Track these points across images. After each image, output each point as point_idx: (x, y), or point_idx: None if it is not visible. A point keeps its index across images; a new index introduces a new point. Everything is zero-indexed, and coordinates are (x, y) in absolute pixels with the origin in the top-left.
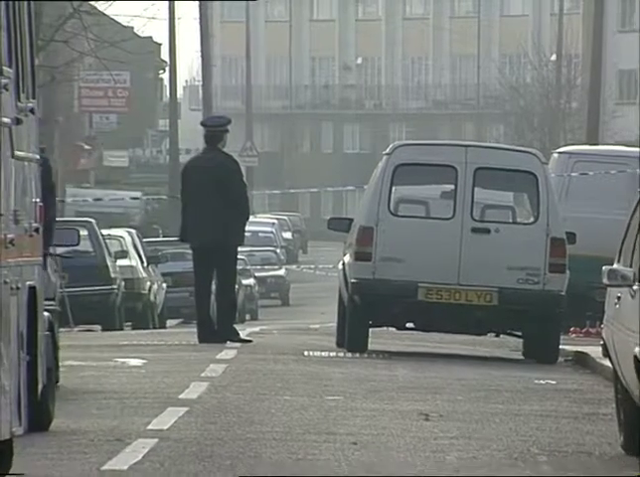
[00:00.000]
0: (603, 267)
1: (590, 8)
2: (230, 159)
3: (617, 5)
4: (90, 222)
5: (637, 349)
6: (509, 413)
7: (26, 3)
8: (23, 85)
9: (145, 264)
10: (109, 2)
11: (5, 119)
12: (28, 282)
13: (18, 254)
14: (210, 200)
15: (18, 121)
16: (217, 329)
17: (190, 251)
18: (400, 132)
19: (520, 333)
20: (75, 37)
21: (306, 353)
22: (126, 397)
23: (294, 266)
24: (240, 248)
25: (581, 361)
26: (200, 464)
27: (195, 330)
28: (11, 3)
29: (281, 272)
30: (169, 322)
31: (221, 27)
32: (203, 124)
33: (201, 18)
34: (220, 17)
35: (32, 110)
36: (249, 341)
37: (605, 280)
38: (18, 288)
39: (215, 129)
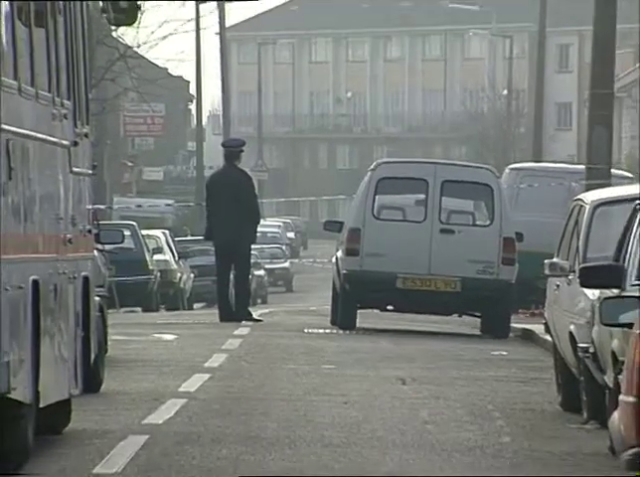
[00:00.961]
0: (545, 261)
1: (534, 53)
2: (244, 174)
3: (555, 51)
4: (133, 224)
5: (572, 326)
6: (469, 378)
7: (82, 50)
8: (79, 115)
9: (176, 258)
10: (149, 47)
11: (65, 142)
12: (82, 273)
13: (74, 251)
14: (229, 207)
15: (75, 144)
16: (234, 311)
17: (213, 248)
18: (382, 152)
19: (478, 314)
20: (120, 76)
21: (306, 330)
22: (161, 364)
23: (296, 260)
24: (252, 246)
25: (528, 336)
26: (221, 419)
27: (216, 311)
28: (70, 50)
29: (286, 265)
30: (195, 305)
31: (237, 67)
32: (223, 145)
33: (222, 60)
34: (236, 59)
35: (86, 135)
36: (260, 320)
37: (547, 271)
38: (74, 278)
39: (233, 149)
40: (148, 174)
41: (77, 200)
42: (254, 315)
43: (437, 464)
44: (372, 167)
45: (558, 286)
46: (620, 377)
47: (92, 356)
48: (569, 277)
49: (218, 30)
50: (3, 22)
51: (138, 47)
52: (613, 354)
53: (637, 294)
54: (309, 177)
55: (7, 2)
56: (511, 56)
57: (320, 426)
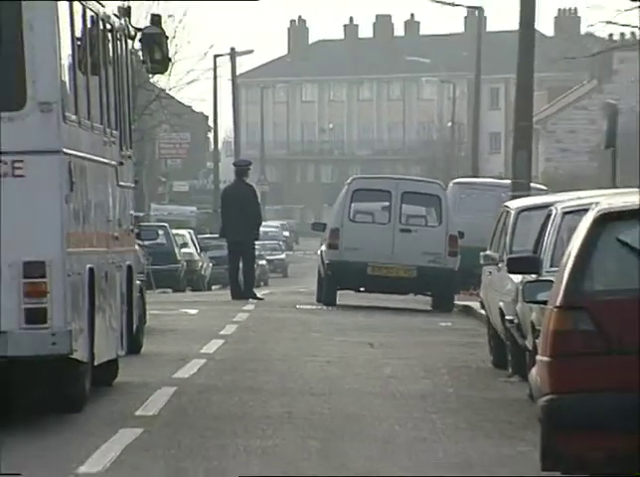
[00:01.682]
0: (481, 253)
1: (471, 95)
2: (250, 188)
3: (487, 93)
4: (165, 225)
5: (501, 303)
6: (423, 343)
7: (126, 92)
8: (124, 141)
9: (198, 251)
10: (177, 90)
11: (113, 162)
12: (127, 262)
13: (120, 245)
14: (238, 213)
15: (121, 164)
16: (243, 291)
17: (226, 244)
18: (356, 170)
19: (430, 293)
20: (156, 112)
21: (298, 306)
22: (187, 332)
23: (291, 253)
24: (256, 242)
25: (467, 311)
26: (232, 374)
27: (229, 292)
28: (118, 93)
29: (283, 256)
30: (213, 287)
31: (245, 105)
32: (234, 164)
33: (233, 100)
34: (245, 99)
35: (129, 157)
36: (262, 299)
37: (482, 261)
38: (120, 266)
39: (242, 167)
40: (177, 187)
41: (122, 206)
42: (258, 295)
43: (398, 408)
44: (348, 181)
45: (490, 273)
46: (537, 341)
47: (134, 326)
48: (499, 266)
49: (230, 77)
50: (67, 72)
51: (169, 90)
52: (532, 324)
53: (550, 278)
54: (300, 189)
55: (69, 56)
56: (454, 97)
57: (309, 380)
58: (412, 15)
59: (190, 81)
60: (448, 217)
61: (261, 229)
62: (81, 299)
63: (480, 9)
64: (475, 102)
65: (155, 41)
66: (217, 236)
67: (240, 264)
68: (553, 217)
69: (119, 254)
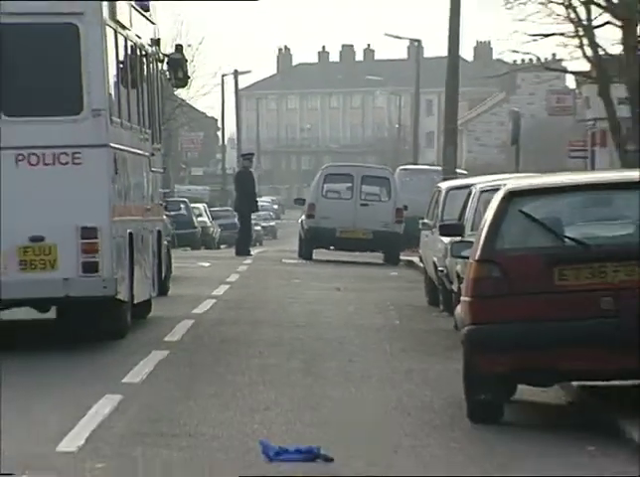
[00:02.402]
0: (420, 221)
1: (413, 104)
2: (251, 173)
3: (425, 103)
4: (185, 200)
5: (434, 258)
6: (377, 288)
7: (157, 101)
8: (155, 138)
9: (210, 220)
10: (195, 100)
11: (146, 154)
12: (157, 228)
13: (152, 215)
14: (243, 190)
15: (152, 154)
16: (244, 250)
17: (232, 214)
18: (328, 159)
19: (382, 251)
20: (178, 116)
21: (284, 260)
22: (202, 279)
23: (279, 220)
24: (254, 213)
25: (410, 264)
26: (236, 311)
27: (233, 250)
28: (151, 102)
29: (273, 223)
30: (221, 246)
31: (245, 112)
32: (242, 155)
33: (236, 107)
34: (245, 106)
35: (159, 149)
36: (252, 255)
37: (420, 227)
38: (152, 231)
39: (248, 157)
40: (194, 172)
41: (153, 186)
42: (253, 253)
43: (359, 336)
44: (322, 168)
45: (427, 236)
46: (461, 286)
47: (163, 275)
48: (433, 231)
49: (234, 90)
50: (112, 86)
51: (189, 100)
52: (457, 273)
53: (471, 240)
54: (286, 174)
55: (114, 74)
56: (400, 106)
57: (293, 315)
58: (369, 45)
59: (204, 94)
60: (396, 194)
61: (259, 203)
62: (123, 255)
63: (419, 41)
64: (415, 110)
65: (178, 64)
66: (223, 208)
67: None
68: (472, 194)
69: (151, 222)
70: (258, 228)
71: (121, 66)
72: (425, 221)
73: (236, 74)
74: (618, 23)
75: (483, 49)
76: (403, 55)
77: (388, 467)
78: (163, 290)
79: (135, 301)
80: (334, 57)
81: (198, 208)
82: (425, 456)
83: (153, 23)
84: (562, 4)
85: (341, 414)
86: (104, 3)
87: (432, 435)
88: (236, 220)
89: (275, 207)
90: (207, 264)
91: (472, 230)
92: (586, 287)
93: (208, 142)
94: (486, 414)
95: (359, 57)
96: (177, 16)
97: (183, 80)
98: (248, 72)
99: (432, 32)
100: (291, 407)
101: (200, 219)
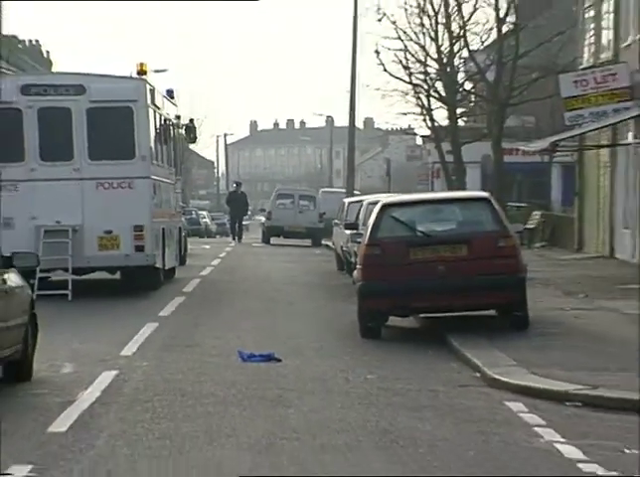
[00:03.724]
0: (332, 221)
1: (329, 154)
2: (243, 194)
3: (335, 153)
4: (195, 209)
5: (341, 243)
6: (307, 260)
7: (179, 150)
8: (177, 172)
9: (211, 220)
10: (199, 149)
11: (172, 182)
12: (178, 225)
13: (175, 217)
14: (235, 204)
15: (175, 182)
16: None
17: (226, 217)
18: (279, 185)
19: (311, 238)
20: (189, 159)
21: (253, 244)
22: (205, 256)
23: (250, 221)
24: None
25: (327, 246)
26: (228, 274)
27: (228, 238)
28: (174, 150)
29: (247, 222)
30: (217, 236)
31: (231, 158)
32: (235, 182)
33: (226, 156)
34: (231, 155)
35: (179, 179)
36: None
37: (333, 224)
38: (176, 227)
39: (239, 183)
40: (200, 192)
41: (176, 201)
42: (242, 240)
43: (299, 289)
44: (275, 190)
45: (337, 230)
46: (356, 259)
47: (182, 252)
48: (340, 227)
49: (224, 145)
50: (152, 142)
51: (197, 150)
52: (354, 251)
53: (361, 232)
54: (254, 194)
55: (154, 135)
56: (321, 154)
57: (258, 276)
58: (303, 119)
59: (206, 147)
60: (319, 205)
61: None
62: (159, 241)
63: (332, 117)
64: (329, 157)
65: (191, 129)
66: (218, 213)
67: (236, 226)
68: (363, 205)
69: (175, 221)
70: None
71: (157, 131)
72: (336, 221)
73: (225, 135)
74: (445, 107)
75: (369, 121)
76: (322, 124)
77: (311, 357)
78: (182, 262)
79: (166, 268)
80: (282, 125)
81: (202, 213)
82: (334, 351)
83: (175, 105)
84: (414, 96)
85: (286, 332)
86: (148, 93)
87: (338, 341)
88: (225, 220)
89: (249, 213)
90: (207, 247)
91: (362, 225)
92: (428, 260)
93: (208, 175)
94: (370, 333)
95: (297, 126)
96: (191, 99)
97: (193, 139)
98: (232, 134)
99: (341, 109)
100: (257, 330)
101: (203, 220)
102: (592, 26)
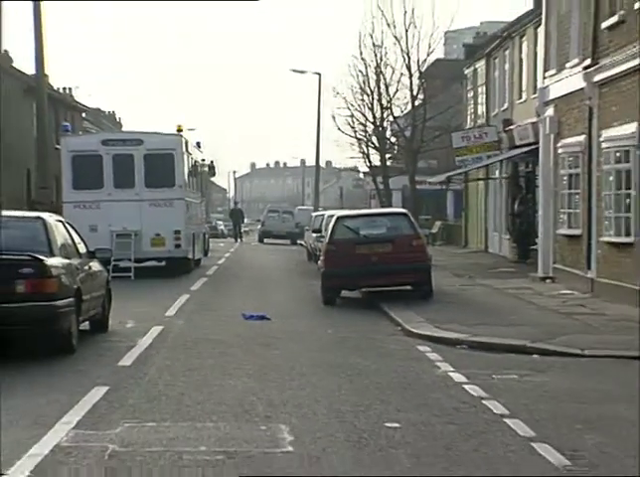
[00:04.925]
0: (304, 227)
1: (302, 185)
2: (240, 210)
3: (306, 184)
4: (213, 220)
5: (311, 241)
6: (288, 254)
7: (206, 181)
8: (202, 195)
9: (223, 227)
10: (215, 179)
11: (199, 201)
12: (203, 230)
13: (201, 225)
14: (235, 217)
15: (201, 202)
16: (238, 239)
17: (231, 223)
18: (269, 203)
19: (290, 239)
20: (210, 187)
21: (252, 243)
22: (220, 250)
23: (248, 227)
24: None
25: (302, 245)
26: (236, 263)
27: (232, 240)
28: (202, 182)
29: (246, 228)
30: (227, 238)
31: (239, 187)
32: (235, 202)
33: (235, 187)
34: (238, 185)
35: (204, 200)
36: (243, 241)
37: (305, 230)
38: (201, 231)
39: (237, 202)
40: (217, 210)
41: (202, 214)
42: (243, 240)
43: (281, 273)
44: (267, 207)
45: (308, 233)
46: (321, 253)
47: (206, 248)
48: (310, 231)
49: (233, 178)
50: (186, 175)
51: (215, 181)
52: (319, 248)
53: (323, 234)
54: (249, 211)
55: (187, 171)
56: (297, 184)
57: (255, 265)
58: (285, 162)
59: (221, 178)
60: (295, 217)
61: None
62: (190, 241)
63: (304, 160)
64: (302, 187)
65: (211, 167)
66: (229, 222)
67: (237, 229)
68: (325, 217)
69: (201, 228)
70: (245, 229)
71: (189, 168)
72: (307, 227)
73: (233, 172)
74: (378, 153)
75: (329, 162)
76: (298, 164)
77: (290, 317)
78: (205, 254)
79: (195, 258)
80: (271, 165)
81: (219, 222)
82: (305, 314)
83: (201, 151)
84: (358, 146)
85: (274, 300)
86: (183, 144)
87: (308, 307)
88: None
89: (247, 222)
90: (222, 244)
91: (324, 231)
92: (367, 253)
93: (222, 198)
94: (329, 302)
95: (281, 165)
96: (210, 146)
97: (213, 174)
98: (236, 171)
99: (310, 154)
100: (255, 299)
101: (220, 227)
102: (472, 102)
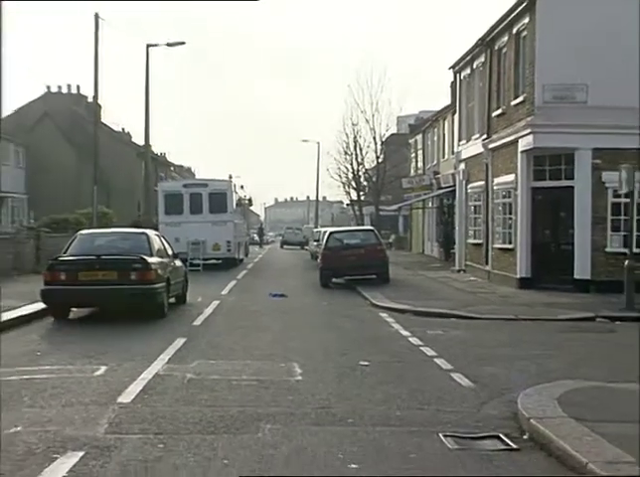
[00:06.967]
0: (309, 239)
1: (307, 214)
2: (262, 228)
3: (312, 212)
4: (252, 234)
5: (313, 247)
6: (298, 255)
7: (244, 210)
8: (244, 218)
9: (259, 238)
10: (253, 208)
11: (242, 222)
12: (245, 240)
13: (244, 237)
14: (260, 233)
15: (243, 222)
16: (261, 246)
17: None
18: (286, 225)
19: (299, 246)
20: (247, 213)
21: (277, 248)
22: (255, 253)
23: (273, 239)
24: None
25: (307, 250)
26: (264, 263)
27: (273, 245)
28: (243, 210)
29: (272, 239)
30: (265, 245)
31: (266, 213)
32: (260, 223)
33: (264, 213)
34: (264, 211)
35: (245, 221)
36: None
37: (310, 240)
38: (244, 241)
39: (260, 223)
40: (252, 227)
41: (245, 230)
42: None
43: (292, 267)
44: (285, 227)
45: (312, 242)
46: (319, 255)
47: (246, 251)
48: (313, 241)
49: (263, 207)
50: (234, 206)
51: (251, 208)
52: (318, 253)
53: (320, 243)
54: (277, 229)
55: (235, 205)
56: (303, 213)
57: (277, 263)
58: (297, 197)
59: (255, 208)
60: (303, 232)
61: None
62: (236, 247)
63: (309, 196)
64: (307, 214)
65: (249, 201)
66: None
67: (260, 240)
68: (322, 232)
69: (244, 239)
70: (272, 240)
71: (236, 201)
72: (310, 239)
73: (264, 204)
74: (356, 192)
75: (325, 198)
76: (305, 198)
77: (300, 295)
78: (246, 255)
79: (239, 258)
80: (288, 199)
81: (254, 235)
82: (309, 293)
83: (244, 190)
84: (343, 187)
85: (289, 284)
86: (232, 186)
87: (311, 289)
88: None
89: (271, 234)
90: (257, 249)
91: (321, 241)
92: (348, 255)
93: (256, 220)
94: (325, 286)
95: (295, 200)
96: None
97: (251, 205)
98: (265, 203)
99: (313, 191)
100: (277, 283)
101: (255, 238)
102: (414, 160)
